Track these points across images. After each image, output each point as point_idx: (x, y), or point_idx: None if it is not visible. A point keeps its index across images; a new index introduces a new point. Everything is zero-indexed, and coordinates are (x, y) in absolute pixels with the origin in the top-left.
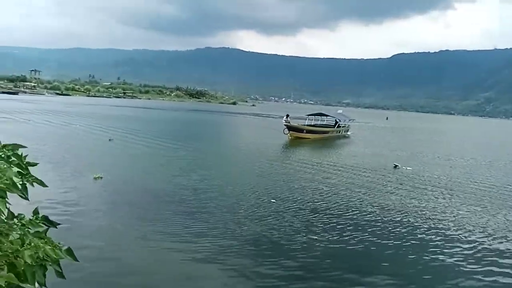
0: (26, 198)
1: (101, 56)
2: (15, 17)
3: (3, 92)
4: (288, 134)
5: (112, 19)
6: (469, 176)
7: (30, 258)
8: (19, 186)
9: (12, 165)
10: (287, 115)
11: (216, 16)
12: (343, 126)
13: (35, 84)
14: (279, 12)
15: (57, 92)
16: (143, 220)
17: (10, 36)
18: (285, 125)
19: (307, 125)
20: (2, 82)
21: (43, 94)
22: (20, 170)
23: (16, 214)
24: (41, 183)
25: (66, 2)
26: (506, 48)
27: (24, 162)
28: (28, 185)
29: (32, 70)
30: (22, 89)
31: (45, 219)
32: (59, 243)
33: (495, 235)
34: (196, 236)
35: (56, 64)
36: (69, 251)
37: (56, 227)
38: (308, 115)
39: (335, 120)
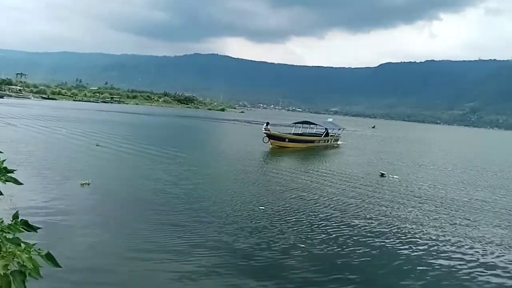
0: (0, 193)
1: (89, 61)
2: (3, 20)
3: None
4: (269, 143)
5: (102, 24)
6: (456, 184)
7: (3, 269)
8: None
9: None
10: (267, 123)
11: (205, 22)
12: (332, 135)
13: (21, 88)
14: (268, 20)
15: (43, 96)
16: (131, 229)
17: None
18: (264, 133)
19: (293, 133)
20: None
21: (29, 98)
22: None
23: None
24: (15, 181)
25: (56, 7)
26: (490, 59)
27: (2, 167)
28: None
29: (18, 74)
30: (8, 93)
31: (25, 223)
32: (38, 250)
33: (487, 246)
34: (186, 248)
35: (43, 67)
36: (49, 257)
37: (36, 231)
38: (295, 123)
39: (325, 128)
